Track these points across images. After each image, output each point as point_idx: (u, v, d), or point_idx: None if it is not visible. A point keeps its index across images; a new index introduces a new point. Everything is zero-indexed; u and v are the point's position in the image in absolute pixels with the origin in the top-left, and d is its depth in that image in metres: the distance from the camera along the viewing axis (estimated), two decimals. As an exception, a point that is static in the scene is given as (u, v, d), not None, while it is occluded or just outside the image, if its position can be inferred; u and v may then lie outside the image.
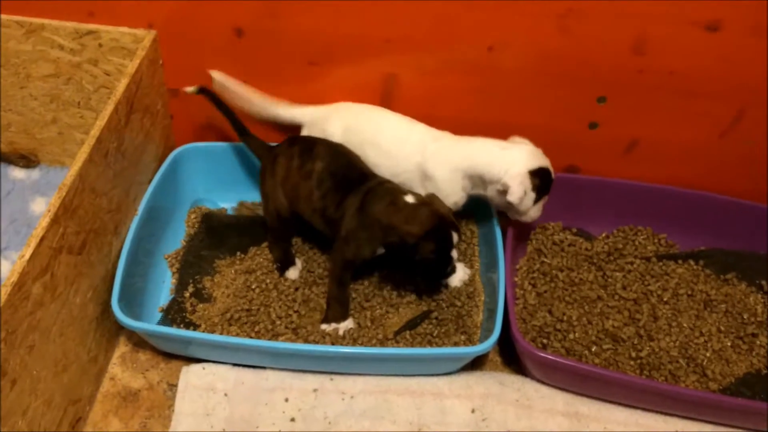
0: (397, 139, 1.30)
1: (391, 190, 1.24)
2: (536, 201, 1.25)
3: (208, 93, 1.36)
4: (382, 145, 1.30)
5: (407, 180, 1.30)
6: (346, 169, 1.27)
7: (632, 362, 1.26)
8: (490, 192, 1.26)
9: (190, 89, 1.34)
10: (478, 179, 1.26)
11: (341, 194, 1.25)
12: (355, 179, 1.26)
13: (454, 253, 1.22)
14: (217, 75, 1.34)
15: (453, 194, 1.28)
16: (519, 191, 1.20)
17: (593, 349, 1.27)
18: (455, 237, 1.20)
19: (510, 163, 1.22)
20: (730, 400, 1.19)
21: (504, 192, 1.22)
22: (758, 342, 1.31)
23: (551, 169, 1.25)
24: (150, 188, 1.33)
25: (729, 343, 1.31)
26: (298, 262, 1.37)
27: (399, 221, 1.18)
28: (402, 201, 1.21)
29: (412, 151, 1.29)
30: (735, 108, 1.32)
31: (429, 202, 1.22)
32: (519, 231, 1.37)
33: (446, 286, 1.33)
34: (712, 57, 1.24)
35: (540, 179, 1.23)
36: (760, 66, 1.25)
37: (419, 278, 1.31)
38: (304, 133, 1.37)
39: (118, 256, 1.21)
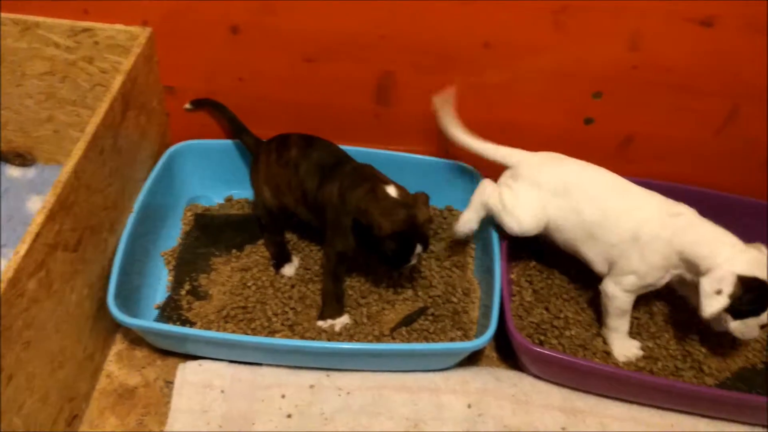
0: (631, 208, 1.21)
1: (369, 176, 1.24)
2: (736, 315, 1.14)
3: (202, 103, 1.39)
4: (617, 212, 1.21)
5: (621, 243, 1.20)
6: (320, 153, 1.28)
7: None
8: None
9: (187, 106, 1.40)
10: (693, 268, 1.16)
11: (318, 178, 1.25)
12: (331, 163, 1.27)
13: (414, 258, 1.21)
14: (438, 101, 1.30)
15: (655, 270, 1.19)
16: (713, 283, 1.11)
17: (590, 346, 1.27)
18: (419, 248, 1.20)
19: (726, 260, 1.12)
20: (726, 394, 1.19)
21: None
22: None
23: None
24: (146, 185, 1.33)
25: (725, 339, 1.31)
26: (295, 259, 1.37)
27: (375, 210, 1.17)
28: (382, 191, 1.20)
29: (646, 220, 1.19)
30: (730, 104, 1.32)
31: (411, 203, 1.20)
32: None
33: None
34: (707, 53, 1.24)
35: (745, 290, 1.11)
36: (754, 62, 1.25)
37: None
38: (508, 175, 1.28)
39: (114, 254, 1.21)
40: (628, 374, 1.21)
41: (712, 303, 1.12)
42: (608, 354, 1.27)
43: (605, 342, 1.28)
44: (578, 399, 1.22)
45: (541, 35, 1.24)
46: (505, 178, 1.29)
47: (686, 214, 1.19)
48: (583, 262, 1.27)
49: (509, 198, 1.25)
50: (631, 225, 1.19)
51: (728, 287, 1.11)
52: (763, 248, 1.17)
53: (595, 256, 1.24)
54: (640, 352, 1.27)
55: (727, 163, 1.41)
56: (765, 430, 1.20)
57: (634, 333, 1.30)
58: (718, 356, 1.29)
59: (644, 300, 1.33)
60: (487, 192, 1.29)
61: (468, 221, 1.31)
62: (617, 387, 1.21)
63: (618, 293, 1.22)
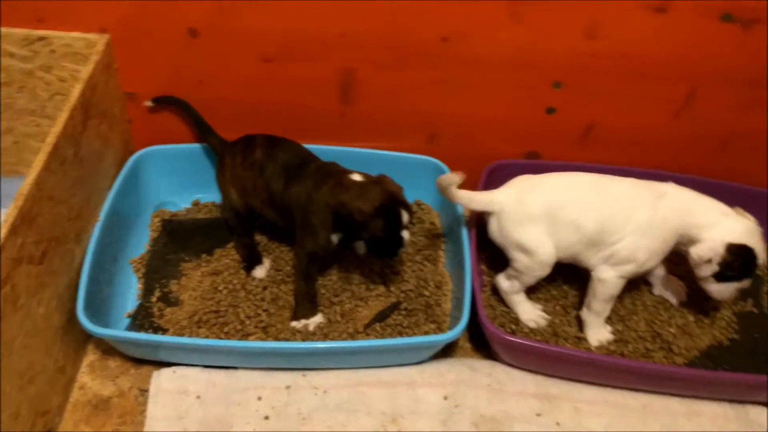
0: (615, 202, 1.21)
1: (333, 172, 1.24)
2: (721, 278, 1.20)
3: (165, 101, 1.37)
4: (601, 209, 1.21)
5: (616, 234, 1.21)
6: (285, 154, 1.28)
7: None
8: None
9: (147, 103, 1.38)
10: (687, 239, 1.21)
11: (284, 179, 1.26)
12: (296, 164, 1.27)
13: (406, 233, 1.21)
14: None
15: (656, 256, 1.22)
16: (704, 254, 1.17)
17: (561, 332, 1.29)
18: (405, 216, 1.19)
19: (716, 228, 1.18)
20: (696, 373, 1.22)
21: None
22: (719, 315, 1.35)
23: (758, 254, 1.18)
24: (111, 194, 1.31)
25: (692, 318, 1.34)
26: (266, 261, 1.37)
27: (348, 199, 1.18)
28: (349, 180, 1.21)
29: (636, 209, 1.20)
30: (687, 88, 1.35)
31: (379, 180, 1.22)
32: (483, 220, 1.39)
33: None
34: (662, 39, 1.27)
35: (734, 257, 1.17)
36: (708, 45, 1.28)
37: (372, 256, 1.29)
38: (494, 221, 1.25)
39: (81, 264, 1.20)
40: (600, 358, 1.23)
41: (704, 269, 1.19)
42: (580, 339, 1.29)
43: (580, 325, 1.30)
44: (552, 385, 1.23)
45: (498, 28, 1.26)
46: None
47: (670, 191, 1.22)
48: (581, 266, 1.27)
49: (522, 262, 1.25)
50: (629, 220, 1.20)
51: (718, 256, 1.17)
52: (744, 212, 1.21)
53: (597, 260, 1.24)
54: (612, 336, 1.29)
55: (686, 146, 1.44)
56: (733, 404, 1.23)
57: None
58: (686, 336, 1.31)
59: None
60: (506, 287, 1.30)
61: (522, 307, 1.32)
62: (590, 371, 1.23)
63: (614, 279, 1.23)
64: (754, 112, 1.36)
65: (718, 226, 1.19)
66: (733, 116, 1.37)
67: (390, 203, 1.18)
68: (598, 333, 1.29)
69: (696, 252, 1.18)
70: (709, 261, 1.18)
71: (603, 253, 1.22)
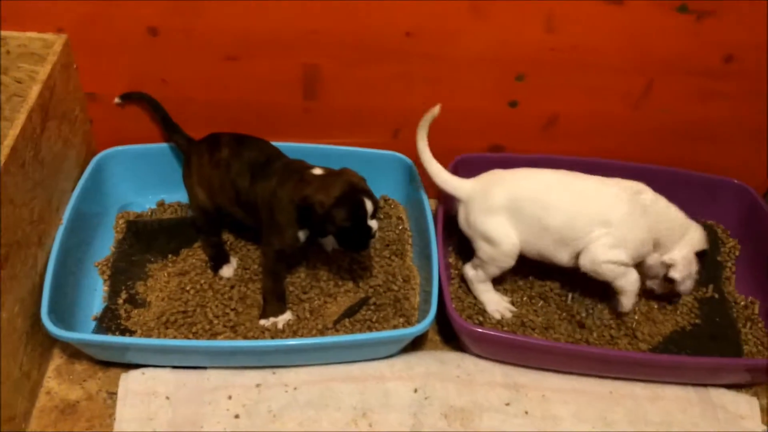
0: (583, 199, 1.23)
1: (297, 168, 1.24)
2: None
3: (133, 96, 1.37)
4: (567, 208, 1.23)
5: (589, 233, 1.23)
6: (251, 152, 1.28)
7: (569, 327, 1.31)
8: (654, 259, 1.28)
9: (116, 100, 1.37)
10: (660, 246, 1.27)
11: (250, 177, 1.25)
12: (261, 161, 1.27)
13: (374, 223, 1.20)
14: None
15: (643, 246, 1.25)
16: (684, 272, 1.26)
17: (527, 321, 1.31)
18: (370, 204, 1.19)
19: (688, 241, 1.27)
20: (659, 358, 1.25)
21: (668, 264, 1.27)
22: (682, 301, 1.38)
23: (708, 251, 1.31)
24: (74, 195, 1.30)
25: (655, 305, 1.37)
26: (233, 260, 1.37)
27: (310, 191, 1.18)
28: (310, 175, 1.21)
29: (603, 209, 1.22)
30: (645, 79, 1.37)
31: (340, 172, 1.22)
32: (449, 214, 1.40)
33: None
34: (619, 31, 1.29)
35: (701, 262, 1.30)
36: (664, 36, 1.30)
37: (343, 250, 1.30)
38: (462, 210, 1.29)
39: (44, 268, 1.18)
40: (566, 346, 1.25)
41: (687, 283, 1.30)
42: (546, 329, 1.31)
43: (546, 315, 1.33)
44: (519, 375, 1.25)
45: (460, 22, 1.27)
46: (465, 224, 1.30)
47: (645, 191, 1.25)
48: (551, 263, 1.29)
49: (486, 252, 1.27)
50: (600, 214, 1.22)
51: (693, 265, 1.28)
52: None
53: (566, 256, 1.26)
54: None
55: (645, 135, 1.46)
56: (696, 387, 1.26)
57: (566, 308, 1.34)
58: (649, 322, 1.34)
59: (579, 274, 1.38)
60: (472, 276, 1.33)
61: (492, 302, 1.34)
62: (556, 360, 1.25)
63: (608, 264, 1.24)
64: (710, 101, 1.39)
65: (686, 236, 1.27)
66: (689, 105, 1.40)
67: (351, 192, 1.18)
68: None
69: (677, 270, 1.26)
70: (680, 269, 1.27)
71: (569, 249, 1.25)
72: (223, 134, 1.32)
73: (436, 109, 1.24)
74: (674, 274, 1.27)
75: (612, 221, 1.22)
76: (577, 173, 1.28)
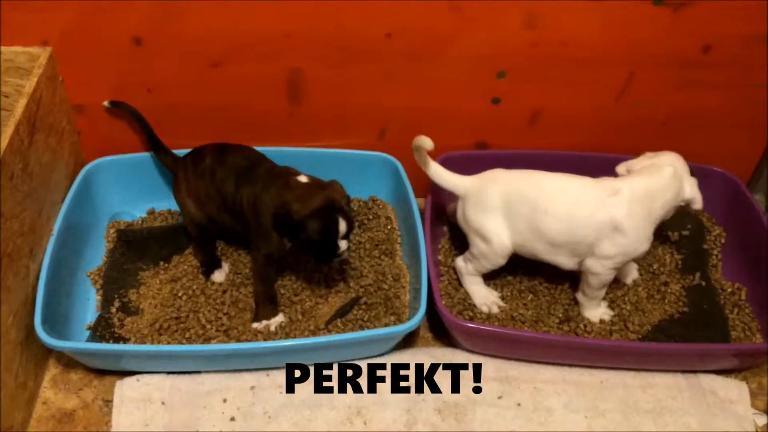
0: (572, 200, 1.22)
1: (282, 173, 1.25)
2: None
3: (122, 107, 1.38)
4: (557, 208, 1.22)
5: (587, 238, 1.22)
6: (234, 157, 1.29)
7: (557, 319, 1.33)
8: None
9: (105, 103, 1.37)
10: (674, 209, 1.27)
11: (234, 182, 1.26)
12: (245, 167, 1.27)
13: (343, 244, 1.21)
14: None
15: (644, 242, 1.23)
16: (699, 196, 1.27)
17: (516, 315, 1.32)
18: (344, 225, 1.19)
19: (689, 181, 1.27)
20: (649, 346, 1.26)
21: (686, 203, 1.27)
22: (669, 290, 1.39)
23: None
24: (64, 206, 1.31)
25: (644, 295, 1.39)
26: (225, 265, 1.38)
27: (290, 197, 1.19)
28: (295, 181, 1.22)
29: (593, 209, 1.21)
30: (626, 72, 1.39)
31: (326, 185, 1.23)
32: (437, 212, 1.42)
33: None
34: (599, 25, 1.31)
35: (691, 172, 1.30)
36: (644, 29, 1.32)
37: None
38: (460, 205, 1.31)
39: (37, 279, 1.19)
40: (557, 338, 1.27)
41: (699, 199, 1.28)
42: (536, 322, 1.32)
43: (536, 308, 1.34)
44: (511, 368, 1.26)
45: (440, 21, 1.28)
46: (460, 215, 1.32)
47: (620, 190, 1.23)
48: (549, 265, 1.30)
49: (479, 247, 1.29)
50: (607, 217, 1.21)
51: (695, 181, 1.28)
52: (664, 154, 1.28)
53: (565, 259, 1.27)
54: (611, 312, 1.34)
55: (628, 128, 1.47)
56: (685, 374, 1.27)
57: (556, 299, 1.36)
58: (639, 312, 1.35)
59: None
60: (462, 268, 1.34)
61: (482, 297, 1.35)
62: (547, 352, 1.26)
63: (606, 270, 1.25)
64: (689, 91, 1.41)
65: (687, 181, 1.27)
66: (671, 96, 1.42)
67: (328, 209, 1.18)
68: (596, 313, 1.32)
69: (697, 202, 1.26)
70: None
71: (568, 253, 1.25)
72: (206, 145, 1.33)
73: (428, 144, 1.25)
74: (696, 206, 1.27)
75: (618, 224, 1.21)
76: (575, 175, 1.26)
